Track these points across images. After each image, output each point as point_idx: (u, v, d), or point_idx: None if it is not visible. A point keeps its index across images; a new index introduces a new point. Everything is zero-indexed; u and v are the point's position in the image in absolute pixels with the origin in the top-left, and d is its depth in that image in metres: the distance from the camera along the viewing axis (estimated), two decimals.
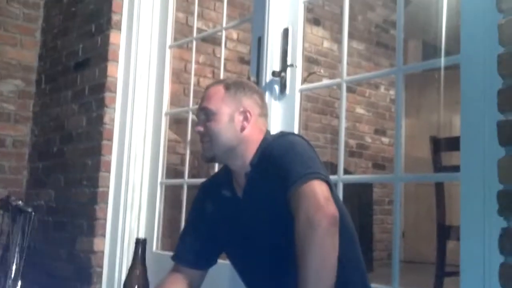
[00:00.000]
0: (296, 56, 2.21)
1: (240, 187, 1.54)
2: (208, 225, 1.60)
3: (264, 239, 1.34)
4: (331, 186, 1.37)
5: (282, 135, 1.55)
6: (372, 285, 1.73)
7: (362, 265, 1.54)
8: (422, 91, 5.58)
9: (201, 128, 1.54)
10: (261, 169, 1.47)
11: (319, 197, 1.28)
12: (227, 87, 1.56)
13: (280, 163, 1.39)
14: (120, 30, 2.94)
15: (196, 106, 2.39)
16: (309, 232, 1.23)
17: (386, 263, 1.89)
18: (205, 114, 1.54)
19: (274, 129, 2.21)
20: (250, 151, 1.52)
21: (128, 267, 1.40)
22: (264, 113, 1.60)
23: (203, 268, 1.61)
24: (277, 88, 2.22)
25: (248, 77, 2.30)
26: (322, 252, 1.21)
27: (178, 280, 1.56)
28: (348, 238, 1.47)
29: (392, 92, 5.42)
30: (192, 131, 2.82)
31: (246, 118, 1.54)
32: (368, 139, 5.32)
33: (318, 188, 1.30)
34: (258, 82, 2.26)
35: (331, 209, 1.26)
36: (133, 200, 2.84)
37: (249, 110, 1.54)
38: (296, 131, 2.20)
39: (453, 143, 2.81)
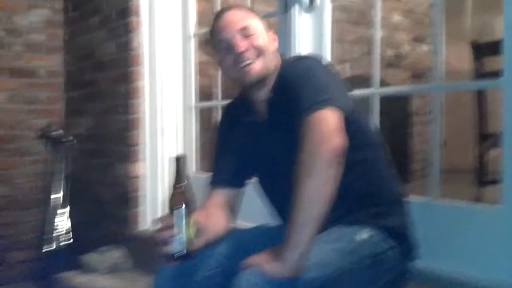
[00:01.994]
0: None
1: (262, 112, 1.52)
2: (236, 146, 1.58)
3: (288, 159, 1.31)
4: (348, 111, 1.32)
5: (299, 58, 1.49)
6: (410, 196, 1.72)
7: (387, 170, 1.51)
8: None
9: (245, 47, 1.44)
10: (280, 94, 1.44)
11: (326, 127, 1.24)
12: (248, 10, 1.51)
13: (294, 88, 1.34)
14: None
15: None
16: (310, 162, 1.21)
17: (426, 174, 1.85)
18: (244, 33, 1.45)
19: (304, 45, 2.14)
20: (275, 67, 1.48)
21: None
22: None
23: (239, 186, 1.60)
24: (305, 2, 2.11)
25: None
26: (319, 182, 1.21)
27: (218, 202, 1.57)
28: (375, 146, 1.49)
29: None
30: None
31: (274, 40, 1.51)
32: (407, 48, 5.12)
33: (328, 117, 1.26)
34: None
35: (337, 140, 1.23)
36: (169, 124, 2.85)
37: (273, 32, 1.51)
38: (328, 44, 2.12)
39: (495, 47, 2.67)
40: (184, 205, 1.29)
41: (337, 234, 1.35)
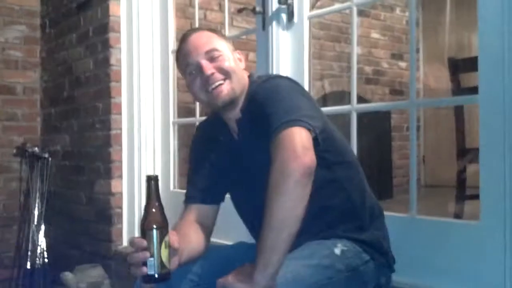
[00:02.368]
0: None
1: (233, 131, 1.52)
2: (209, 163, 1.58)
3: (258, 177, 1.31)
4: (317, 130, 1.31)
5: (267, 78, 1.47)
6: (391, 212, 1.72)
7: (363, 186, 1.52)
8: (440, 10, 5.37)
9: (212, 69, 1.44)
10: (249, 114, 1.44)
11: (296, 145, 1.23)
12: (213, 31, 1.52)
13: (263, 110, 1.33)
14: None
15: None
16: (280, 181, 1.20)
17: (406, 189, 1.87)
18: (210, 56, 1.45)
19: (284, 62, 2.14)
20: (244, 88, 1.48)
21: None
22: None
23: (213, 202, 1.59)
24: (284, 16, 2.12)
25: (254, 8, 2.20)
26: (289, 203, 1.19)
27: (192, 220, 1.55)
28: (349, 164, 1.49)
29: (408, 13, 5.22)
30: None
31: (240, 60, 1.52)
32: (385, 65, 5.18)
33: (297, 136, 1.25)
34: (264, 12, 2.16)
35: (307, 159, 1.22)
36: (147, 140, 2.83)
37: (239, 52, 1.53)
38: (306, 61, 2.12)
39: (472, 64, 2.70)
40: (155, 228, 1.27)
41: (311, 250, 1.35)
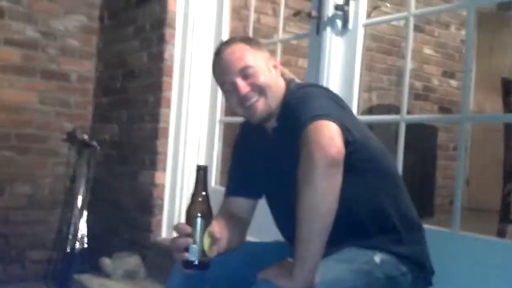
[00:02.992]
0: None
1: (270, 137, 1.54)
2: (249, 162, 1.62)
3: (292, 183, 1.33)
4: (348, 129, 1.30)
5: (300, 87, 1.49)
6: (432, 226, 1.70)
7: (400, 198, 1.50)
8: (496, 32, 5.26)
9: (247, 88, 1.46)
10: (284, 121, 1.45)
11: (323, 136, 1.21)
12: (246, 42, 1.51)
13: (293, 114, 1.34)
14: None
15: None
16: (306, 171, 1.20)
17: (448, 209, 1.84)
18: (244, 73, 1.46)
19: (335, 69, 2.14)
20: (280, 99, 1.49)
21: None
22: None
23: (252, 196, 1.64)
24: (339, 22, 2.13)
25: (309, 12, 2.21)
26: (317, 193, 1.18)
27: (231, 212, 1.60)
28: (384, 173, 1.48)
29: (463, 32, 5.12)
30: None
31: (276, 67, 1.53)
32: (436, 82, 5.10)
33: (324, 128, 1.23)
34: (319, 16, 2.17)
35: (333, 149, 1.20)
36: (193, 136, 2.88)
37: (275, 59, 1.54)
38: (357, 70, 2.12)
39: None
40: (200, 216, 1.31)
41: (352, 255, 1.35)
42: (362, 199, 1.41)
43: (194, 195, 1.35)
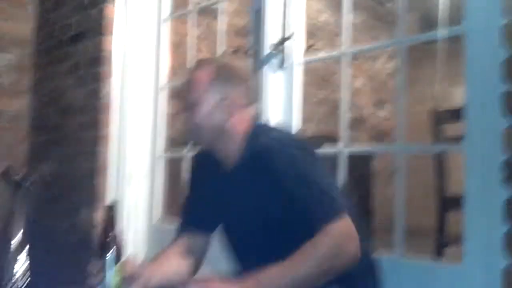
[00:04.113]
0: (297, 28, 2.18)
1: (228, 167, 1.55)
2: (205, 193, 1.62)
3: (249, 219, 1.41)
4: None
5: (278, 142, 1.46)
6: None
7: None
8: (420, 63, 5.54)
9: (184, 115, 1.53)
10: (249, 169, 1.46)
11: (353, 238, 1.31)
12: (213, 75, 1.51)
13: (284, 184, 1.36)
14: (115, 2, 2.89)
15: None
16: (333, 253, 1.29)
17: (386, 232, 1.92)
18: (189, 102, 1.52)
19: (276, 104, 2.19)
20: (234, 143, 1.51)
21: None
22: (250, 102, 1.58)
23: (206, 231, 1.63)
24: (276, 61, 2.19)
25: (247, 50, 2.27)
26: (323, 271, 1.28)
27: (179, 248, 1.59)
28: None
29: (388, 65, 5.38)
30: None
31: (229, 110, 1.51)
32: (367, 112, 5.30)
33: (350, 228, 1.32)
34: (257, 55, 2.23)
35: (355, 251, 1.31)
36: (132, 173, 2.84)
37: (234, 101, 1.51)
38: (297, 105, 2.18)
39: (454, 115, 2.81)
40: (110, 253, 1.33)
41: None
42: None
43: (104, 233, 1.35)
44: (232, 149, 1.51)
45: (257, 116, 1.61)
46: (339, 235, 1.30)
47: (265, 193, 1.39)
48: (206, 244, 1.63)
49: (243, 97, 1.54)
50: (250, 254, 1.52)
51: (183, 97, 1.54)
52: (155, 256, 1.60)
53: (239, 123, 1.52)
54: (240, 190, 1.50)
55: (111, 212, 1.37)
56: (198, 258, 1.60)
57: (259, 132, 1.51)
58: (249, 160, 1.47)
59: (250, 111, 1.57)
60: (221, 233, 1.64)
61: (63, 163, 3.12)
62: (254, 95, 1.62)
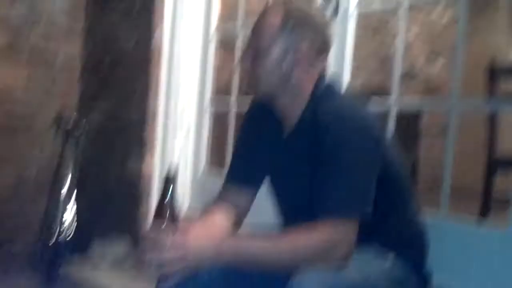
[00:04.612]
0: None
1: (286, 127, 1.49)
2: (257, 149, 1.58)
3: (294, 185, 1.42)
4: (367, 212, 1.31)
5: (345, 113, 1.37)
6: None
7: (413, 208, 1.54)
8: (481, 12, 5.29)
9: (247, 64, 1.45)
10: (307, 134, 1.40)
11: (344, 244, 1.28)
12: (284, 21, 1.39)
13: (331, 153, 1.32)
14: None
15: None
16: (323, 244, 1.28)
17: (432, 189, 1.88)
18: (254, 49, 1.43)
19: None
20: (298, 100, 1.44)
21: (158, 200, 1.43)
22: (321, 56, 1.45)
23: (253, 187, 1.61)
24: (329, 10, 2.12)
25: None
26: (308, 256, 1.28)
27: (224, 201, 1.58)
28: (403, 192, 1.51)
29: (445, 16, 5.13)
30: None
31: (298, 62, 1.41)
32: (421, 62, 5.12)
33: (347, 234, 1.29)
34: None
35: (346, 257, 1.28)
36: (182, 121, 2.87)
37: (304, 53, 1.40)
38: (348, 57, 2.13)
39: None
40: (165, 224, 1.34)
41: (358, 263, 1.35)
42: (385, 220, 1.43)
43: (161, 203, 1.37)
44: (295, 105, 1.44)
45: (326, 71, 1.52)
46: (335, 237, 1.27)
47: (313, 160, 1.35)
48: (251, 200, 1.61)
49: (315, 48, 1.42)
50: (293, 214, 1.52)
51: (248, 43, 1.45)
52: (201, 212, 1.59)
53: (308, 78, 1.44)
54: (293, 153, 1.46)
55: (168, 184, 1.37)
56: (241, 213, 1.58)
57: (327, 93, 1.43)
58: (310, 124, 1.40)
59: (321, 65, 1.47)
60: (268, 187, 1.63)
61: (113, 111, 3.17)
62: (327, 47, 1.46)
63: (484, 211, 2.93)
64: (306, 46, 1.40)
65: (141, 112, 2.90)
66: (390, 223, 1.44)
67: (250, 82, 1.48)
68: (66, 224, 3.06)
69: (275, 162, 1.54)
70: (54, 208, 3.08)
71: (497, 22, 4.88)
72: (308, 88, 1.44)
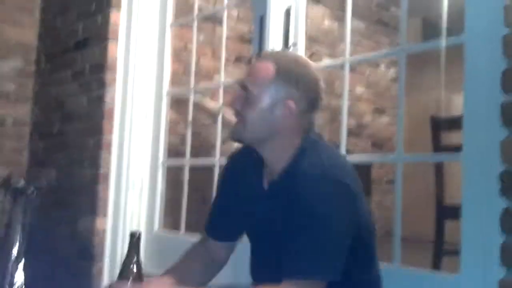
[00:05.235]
0: (298, 36, 2.20)
1: (267, 180, 1.48)
2: (235, 198, 1.56)
3: (269, 238, 1.40)
4: (333, 275, 1.30)
5: (321, 169, 1.34)
6: None
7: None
8: (422, 69, 5.56)
9: (237, 106, 1.43)
10: (286, 188, 1.38)
11: None
12: (278, 71, 1.39)
13: (304, 213, 1.30)
14: (120, 9, 2.91)
15: (196, 86, 2.38)
16: None
17: (384, 240, 1.93)
18: (245, 93, 1.42)
19: None
20: (283, 151, 1.42)
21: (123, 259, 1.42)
22: (312, 108, 1.44)
23: (232, 239, 1.60)
24: None
25: (250, 58, 2.28)
26: None
27: (202, 251, 1.59)
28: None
29: (392, 70, 5.40)
30: (193, 112, 2.83)
31: (287, 112, 1.39)
32: (368, 118, 5.32)
33: None
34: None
35: None
36: (135, 180, 2.86)
37: (294, 104, 1.39)
38: None
39: (454, 123, 2.82)
40: (130, 282, 1.33)
41: None
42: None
43: (127, 262, 1.36)
44: (279, 157, 1.42)
45: (314, 124, 1.50)
46: None
47: (287, 217, 1.34)
48: (229, 252, 1.60)
49: (305, 104, 1.41)
50: (263, 269, 1.51)
51: (242, 85, 1.43)
52: (178, 259, 1.58)
53: (295, 131, 1.43)
54: (271, 207, 1.43)
55: (134, 240, 1.36)
56: (216, 264, 1.58)
57: (310, 147, 1.41)
58: (290, 179, 1.38)
59: (309, 120, 1.46)
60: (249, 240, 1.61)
61: (65, 170, 3.13)
62: (317, 103, 1.45)
63: (436, 258, 3.00)
64: (296, 100, 1.39)
65: (93, 171, 2.87)
66: (354, 279, 1.40)
67: (235, 128, 1.44)
68: (17, 285, 2.94)
69: (253, 213, 1.51)
70: (6, 271, 2.96)
71: (438, 78, 5.14)
72: (294, 141, 1.42)
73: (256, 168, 1.50)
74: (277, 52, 1.49)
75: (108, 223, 2.84)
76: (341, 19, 4.43)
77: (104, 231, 2.83)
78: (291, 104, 1.39)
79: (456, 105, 4.44)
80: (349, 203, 1.34)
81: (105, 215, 2.83)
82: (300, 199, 1.31)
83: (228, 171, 1.63)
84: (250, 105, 1.40)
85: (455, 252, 1.69)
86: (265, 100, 1.39)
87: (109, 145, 2.86)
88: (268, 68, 1.40)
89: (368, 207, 1.49)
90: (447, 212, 3.02)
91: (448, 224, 3.03)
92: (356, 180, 1.40)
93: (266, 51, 1.54)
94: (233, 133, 1.45)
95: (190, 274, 1.49)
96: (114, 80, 2.88)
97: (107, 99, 2.86)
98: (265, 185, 1.48)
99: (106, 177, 2.85)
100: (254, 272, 1.56)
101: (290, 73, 1.40)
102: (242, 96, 1.42)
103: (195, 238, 2.46)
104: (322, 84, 1.46)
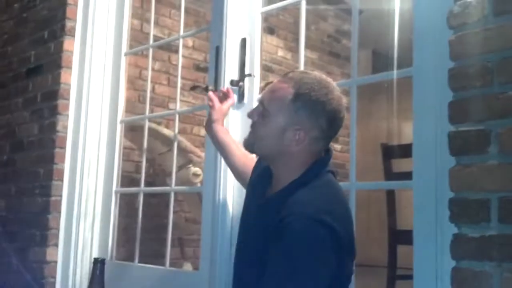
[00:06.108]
0: (254, 66, 2.24)
1: (270, 190, 1.49)
2: (247, 197, 1.63)
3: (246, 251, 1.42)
4: None
5: (314, 209, 1.30)
6: None
7: None
8: (372, 99, 5.73)
9: (253, 118, 1.48)
10: (275, 206, 1.36)
11: None
12: (295, 97, 1.39)
13: (277, 249, 1.28)
14: (74, 36, 2.90)
15: (151, 114, 2.38)
16: None
17: None
18: (262, 109, 1.45)
19: (234, 136, 2.22)
20: (289, 169, 1.42)
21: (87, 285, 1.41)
22: (326, 136, 1.44)
23: None
24: (235, 97, 2.23)
25: (206, 86, 2.31)
26: None
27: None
28: None
29: (344, 100, 5.51)
30: (148, 139, 2.81)
31: (298, 138, 1.39)
32: None
33: None
34: (216, 90, 2.27)
35: None
36: (87, 209, 2.79)
37: (304, 133, 1.39)
38: None
39: (404, 150, 2.91)
40: None
41: None
42: None
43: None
44: (283, 176, 1.43)
45: (331, 151, 1.51)
46: None
47: (266, 242, 1.33)
48: None
49: (319, 132, 1.40)
50: (235, 277, 1.53)
51: (260, 100, 1.48)
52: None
53: (302, 155, 1.42)
54: (259, 221, 1.44)
55: (99, 267, 1.35)
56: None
57: (313, 179, 1.40)
58: (280, 201, 1.36)
59: (322, 145, 1.46)
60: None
61: (14, 200, 3.04)
62: (332, 133, 1.46)
63: (390, 283, 3.05)
64: (307, 130, 1.40)
65: (44, 199, 2.81)
66: None
67: (247, 139, 1.50)
68: None
69: (244, 222, 1.57)
70: None
71: (389, 107, 5.29)
72: (301, 165, 1.42)
73: (266, 180, 1.53)
74: (301, 75, 1.44)
75: (59, 254, 2.77)
76: (294, 50, 4.57)
77: (55, 262, 2.75)
78: (301, 133, 1.39)
79: (407, 133, 4.60)
80: (328, 253, 1.29)
81: (56, 245, 2.76)
82: (283, 233, 1.28)
83: (254, 171, 1.67)
84: (263, 120, 1.44)
85: (409, 277, 1.73)
86: (278, 121, 1.41)
87: (60, 173, 2.80)
88: (287, 91, 1.40)
89: (352, 254, 1.46)
90: (399, 237, 3.09)
91: (401, 249, 3.10)
92: (346, 228, 1.37)
93: (294, 71, 1.52)
94: (245, 142, 1.52)
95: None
96: (66, 107, 2.84)
97: (59, 127, 2.82)
98: (267, 194, 1.50)
99: (58, 205, 2.79)
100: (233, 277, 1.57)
101: (306, 103, 1.39)
102: (259, 110, 1.46)
103: (149, 269, 2.45)
104: (341, 110, 1.44)
